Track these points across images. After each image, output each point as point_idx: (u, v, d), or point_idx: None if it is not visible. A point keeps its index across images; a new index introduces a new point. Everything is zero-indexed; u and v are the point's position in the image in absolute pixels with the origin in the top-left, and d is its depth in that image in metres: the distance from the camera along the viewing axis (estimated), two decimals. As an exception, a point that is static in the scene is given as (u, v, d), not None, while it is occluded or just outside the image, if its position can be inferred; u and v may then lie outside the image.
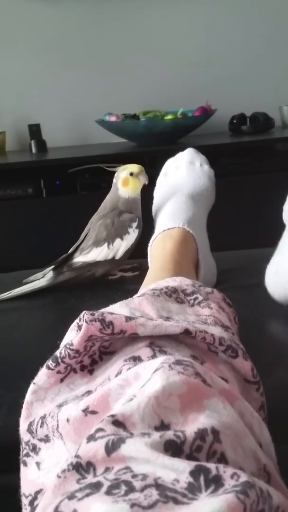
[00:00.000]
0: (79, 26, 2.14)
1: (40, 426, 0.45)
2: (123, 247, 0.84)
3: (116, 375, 0.43)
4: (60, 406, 0.45)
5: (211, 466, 0.31)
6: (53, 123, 2.15)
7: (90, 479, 0.31)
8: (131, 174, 0.84)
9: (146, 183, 0.84)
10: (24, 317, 0.77)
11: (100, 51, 2.16)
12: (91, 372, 0.48)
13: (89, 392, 0.45)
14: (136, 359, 0.45)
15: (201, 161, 0.89)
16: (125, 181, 0.84)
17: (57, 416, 0.43)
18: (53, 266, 0.83)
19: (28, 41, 2.13)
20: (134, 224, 0.84)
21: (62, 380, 0.48)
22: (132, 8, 2.14)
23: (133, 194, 0.85)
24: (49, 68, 2.15)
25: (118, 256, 0.84)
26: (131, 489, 0.30)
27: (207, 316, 0.54)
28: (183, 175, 0.87)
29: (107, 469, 0.32)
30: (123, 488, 0.30)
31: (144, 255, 0.81)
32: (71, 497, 0.30)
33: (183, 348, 0.47)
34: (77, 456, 0.33)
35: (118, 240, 0.83)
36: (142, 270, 0.77)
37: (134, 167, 0.84)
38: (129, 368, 0.43)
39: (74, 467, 0.33)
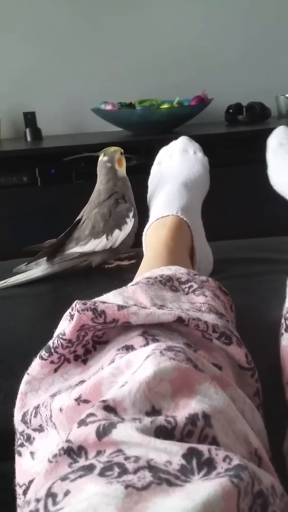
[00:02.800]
0: (76, 13, 2.12)
1: (34, 416, 0.45)
2: (121, 237, 0.84)
3: (109, 364, 0.43)
4: (53, 396, 0.45)
5: (203, 448, 0.31)
6: (48, 111, 2.14)
7: (82, 462, 0.32)
8: (121, 153, 0.86)
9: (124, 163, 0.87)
10: (20, 305, 0.76)
11: (96, 39, 2.14)
12: (85, 361, 0.48)
13: (82, 382, 0.45)
14: (129, 348, 0.45)
15: (194, 149, 0.89)
16: (120, 161, 0.86)
17: (50, 405, 0.43)
18: (45, 257, 0.83)
19: (24, 28, 2.11)
20: (131, 214, 0.85)
21: (56, 370, 0.48)
22: (128, -4, 2.13)
23: (124, 173, 0.87)
24: (45, 56, 2.13)
25: (115, 245, 0.84)
26: (124, 471, 0.30)
27: (202, 303, 0.54)
28: (177, 163, 0.87)
29: (99, 453, 0.32)
30: (116, 470, 0.30)
31: (141, 244, 0.81)
32: (64, 478, 0.30)
33: (177, 337, 0.47)
34: (68, 440, 0.33)
35: (116, 231, 0.84)
36: (139, 258, 0.77)
37: (118, 148, 0.87)
38: (122, 357, 0.43)
39: (66, 452, 0.33)
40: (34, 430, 0.46)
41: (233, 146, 1.99)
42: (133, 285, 0.57)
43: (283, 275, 0.64)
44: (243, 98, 2.13)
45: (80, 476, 0.30)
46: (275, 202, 0.90)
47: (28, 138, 2.07)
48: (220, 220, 1.47)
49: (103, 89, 2.11)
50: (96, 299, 0.52)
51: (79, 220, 0.86)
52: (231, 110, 2.14)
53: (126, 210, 0.85)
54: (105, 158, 0.86)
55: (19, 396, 0.48)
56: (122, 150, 0.87)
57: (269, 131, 1.01)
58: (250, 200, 1.84)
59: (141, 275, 0.62)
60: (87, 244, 0.83)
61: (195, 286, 0.57)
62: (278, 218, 0.84)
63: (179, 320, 0.48)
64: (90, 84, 2.14)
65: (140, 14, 2.15)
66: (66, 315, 0.49)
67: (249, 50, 2.20)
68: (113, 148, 0.87)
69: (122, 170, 0.87)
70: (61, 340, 0.47)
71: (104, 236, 0.83)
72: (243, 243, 0.96)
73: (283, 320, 0.55)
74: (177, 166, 0.87)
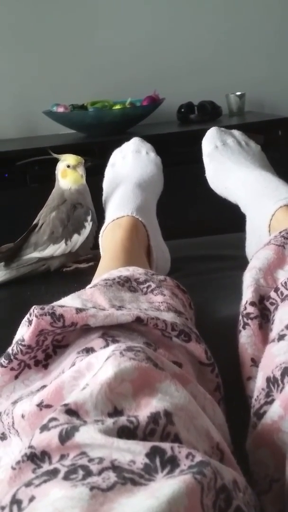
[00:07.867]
0: (24, 15, 2.10)
1: None
2: (80, 241, 0.84)
3: (70, 368, 0.43)
4: (15, 402, 0.45)
5: (166, 446, 0.32)
6: (-1, 115, 2.11)
7: (46, 467, 0.32)
8: (68, 166, 0.84)
9: (84, 175, 0.84)
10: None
11: (46, 40, 2.12)
12: (45, 366, 0.48)
13: (44, 387, 0.45)
14: (89, 350, 0.45)
15: (147, 149, 0.90)
16: (64, 173, 0.85)
17: (12, 413, 0.43)
18: (2, 262, 0.82)
19: None
20: (89, 218, 0.85)
21: (16, 377, 0.48)
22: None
23: (74, 186, 0.85)
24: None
25: (74, 249, 0.84)
26: (88, 473, 0.30)
27: (160, 303, 0.54)
28: (130, 164, 0.88)
29: (62, 457, 0.32)
30: (81, 472, 0.30)
31: (99, 246, 0.81)
32: (28, 484, 0.30)
33: (136, 336, 0.48)
34: (31, 446, 0.33)
35: (75, 236, 0.84)
36: (97, 260, 0.77)
37: (71, 160, 0.84)
38: (82, 360, 0.43)
39: (29, 458, 0.33)
40: (-4, 438, 0.45)
41: (185, 145, 2.00)
42: (91, 287, 0.57)
43: (240, 271, 0.65)
44: (194, 97, 2.15)
45: (45, 481, 0.30)
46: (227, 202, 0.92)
47: (-20, 143, 2.04)
48: (176, 218, 1.48)
49: (54, 91, 2.10)
50: (54, 303, 0.52)
51: (36, 225, 0.85)
52: (182, 109, 2.15)
53: (84, 214, 0.85)
54: (57, 165, 0.85)
55: (-20, 405, 0.48)
56: (72, 163, 0.83)
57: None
58: (205, 197, 1.86)
59: (99, 277, 0.62)
60: (46, 250, 0.83)
61: (153, 285, 0.58)
62: (232, 215, 0.86)
63: (138, 320, 0.48)
64: (41, 86, 2.13)
65: (90, 15, 2.14)
66: (24, 321, 0.49)
67: (199, 49, 2.23)
68: (66, 157, 0.85)
69: (66, 182, 0.84)
70: (21, 346, 0.47)
71: (63, 241, 0.83)
72: (199, 240, 0.97)
73: (240, 317, 0.56)
74: (130, 167, 0.88)
